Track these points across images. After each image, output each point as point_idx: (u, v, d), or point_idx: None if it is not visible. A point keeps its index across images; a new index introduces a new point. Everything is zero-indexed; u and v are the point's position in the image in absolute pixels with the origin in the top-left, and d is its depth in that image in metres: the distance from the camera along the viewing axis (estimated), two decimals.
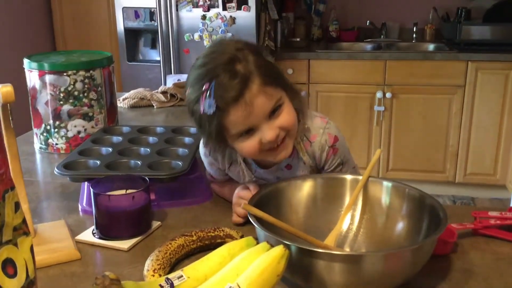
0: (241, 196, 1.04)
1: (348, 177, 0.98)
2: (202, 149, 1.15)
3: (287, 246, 0.74)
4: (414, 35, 3.57)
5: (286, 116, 0.97)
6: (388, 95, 3.19)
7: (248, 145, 0.97)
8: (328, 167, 1.10)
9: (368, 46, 3.58)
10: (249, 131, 0.96)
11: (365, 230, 0.96)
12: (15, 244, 0.53)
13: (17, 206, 0.52)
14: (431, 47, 3.47)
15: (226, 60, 0.92)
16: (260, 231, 0.82)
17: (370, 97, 3.25)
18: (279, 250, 0.71)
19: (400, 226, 0.93)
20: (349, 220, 0.96)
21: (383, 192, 0.95)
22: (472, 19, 3.31)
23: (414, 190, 0.92)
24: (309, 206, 0.97)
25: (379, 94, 3.20)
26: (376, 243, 0.94)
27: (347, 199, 0.97)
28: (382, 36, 3.61)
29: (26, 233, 0.54)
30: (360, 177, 0.97)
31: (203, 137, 1.05)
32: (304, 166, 1.10)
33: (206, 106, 0.91)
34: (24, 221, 0.53)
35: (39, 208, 1.18)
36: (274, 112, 0.96)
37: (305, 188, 0.97)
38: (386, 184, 0.95)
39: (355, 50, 3.50)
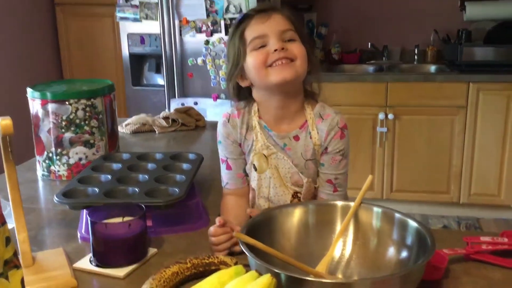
0: (209, 233, 1.07)
1: (339, 203, 1.00)
2: (221, 120, 1.28)
3: (277, 274, 0.76)
4: (415, 57, 3.61)
5: (297, 47, 1.16)
6: (390, 116, 3.21)
7: (257, 56, 1.15)
8: (331, 150, 1.21)
9: (370, 68, 3.61)
10: (262, 47, 1.15)
11: (357, 256, 0.97)
12: (6, 277, 0.55)
13: (7, 240, 0.54)
14: (432, 68, 3.50)
15: (269, 5, 1.21)
16: (251, 259, 0.83)
17: (373, 118, 3.27)
18: (266, 278, 0.72)
19: (391, 251, 0.94)
20: (341, 246, 0.98)
21: (374, 218, 0.97)
22: (473, 41, 3.33)
23: (403, 215, 0.94)
24: (301, 233, 0.98)
25: (381, 116, 3.22)
26: (368, 269, 0.95)
27: (339, 225, 0.98)
28: (384, 58, 3.64)
29: (17, 266, 0.56)
30: (351, 203, 0.99)
31: (227, 62, 1.23)
32: (310, 141, 1.21)
33: (239, 16, 1.20)
34: (15, 254, 0.56)
35: (40, 235, 1.20)
36: (288, 41, 1.15)
37: (297, 215, 0.99)
38: (376, 210, 0.97)
39: (357, 73, 3.54)
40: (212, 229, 1.07)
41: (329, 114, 1.22)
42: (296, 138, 1.22)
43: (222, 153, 1.29)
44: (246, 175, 1.29)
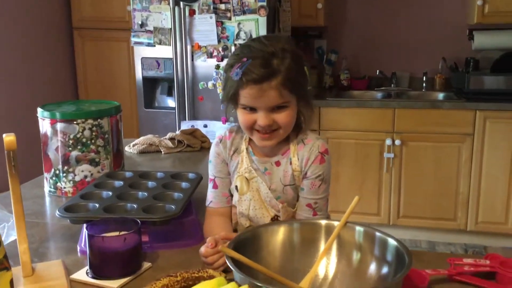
0: (201, 254, 1.09)
1: (323, 222, 1.04)
2: (214, 141, 1.34)
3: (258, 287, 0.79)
4: (424, 84, 3.65)
5: (285, 116, 1.19)
6: (397, 142, 3.24)
7: (246, 118, 1.20)
8: (310, 175, 1.24)
9: (378, 95, 3.66)
10: (252, 109, 1.18)
11: (340, 273, 1.00)
12: None
13: None
14: (440, 96, 3.53)
15: (269, 51, 1.15)
16: (236, 273, 0.87)
17: (380, 144, 3.30)
18: (231, 285, 0.76)
19: (372, 268, 0.97)
20: (325, 263, 1.01)
21: (356, 237, 1.00)
22: (481, 69, 3.37)
23: (383, 234, 0.97)
24: (286, 250, 1.02)
25: (388, 141, 3.25)
26: (351, 285, 0.98)
27: (323, 243, 1.02)
28: (392, 85, 3.69)
29: (7, 268, 0.61)
30: (335, 222, 1.02)
31: (223, 93, 1.25)
32: (290, 167, 1.25)
33: (235, 73, 1.15)
34: (5, 256, 0.61)
35: (41, 248, 1.25)
36: (278, 108, 1.17)
37: (282, 233, 1.02)
38: (358, 229, 1.00)
39: (365, 98, 3.59)
40: (203, 250, 1.09)
41: (310, 140, 1.26)
42: (277, 163, 1.27)
43: (211, 172, 1.35)
44: (231, 195, 1.33)
